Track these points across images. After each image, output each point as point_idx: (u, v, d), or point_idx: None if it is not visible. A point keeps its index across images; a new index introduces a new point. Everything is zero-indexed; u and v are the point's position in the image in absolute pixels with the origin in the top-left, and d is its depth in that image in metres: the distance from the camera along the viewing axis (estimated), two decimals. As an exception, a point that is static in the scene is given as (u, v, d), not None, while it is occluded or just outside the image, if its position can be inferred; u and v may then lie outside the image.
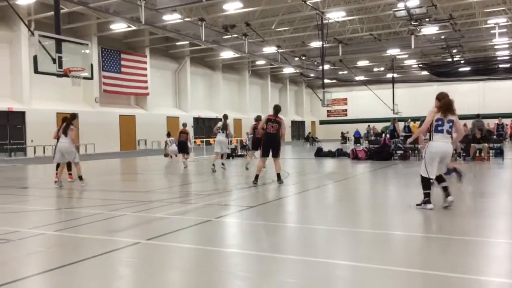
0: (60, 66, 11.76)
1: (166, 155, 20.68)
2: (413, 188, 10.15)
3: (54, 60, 11.62)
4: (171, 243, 5.21)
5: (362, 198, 8.93)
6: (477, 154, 16.05)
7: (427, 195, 6.75)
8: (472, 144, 16.13)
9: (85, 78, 12.88)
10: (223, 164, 14.34)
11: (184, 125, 17.16)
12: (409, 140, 8.24)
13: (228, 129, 14.49)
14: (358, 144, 33.39)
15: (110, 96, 31.27)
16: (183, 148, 16.22)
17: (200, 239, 5.46)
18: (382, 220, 6.55)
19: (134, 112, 33.10)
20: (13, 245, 5.16)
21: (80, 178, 10.47)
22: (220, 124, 14.60)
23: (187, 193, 9.50)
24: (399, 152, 17.75)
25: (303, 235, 5.62)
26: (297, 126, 56.02)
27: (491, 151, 16.66)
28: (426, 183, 6.77)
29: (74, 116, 10.87)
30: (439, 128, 6.62)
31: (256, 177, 10.30)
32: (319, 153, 20.67)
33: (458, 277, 3.82)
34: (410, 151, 17.63)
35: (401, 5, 23.83)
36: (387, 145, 18.02)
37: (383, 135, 23.57)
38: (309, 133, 45.96)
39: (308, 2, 24.08)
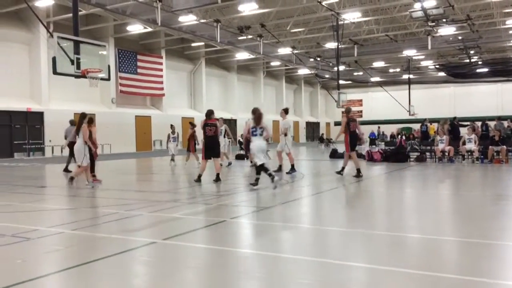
0: (78, 67, 11.93)
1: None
2: (430, 190, 10.08)
3: (72, 62, 11.79)
4: (186, 243, 5.26)
5: (378, 200, 8.88)
6: (495, 156, 15.82)
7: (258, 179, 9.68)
8: (490, 146, 15.91)
9: (102, 79, 13.04)
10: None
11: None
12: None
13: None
14: (374, 146, 33.14)
15: (126, 97, 31.56)
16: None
17: (215, 239, 5.50)
18: (397, 222, 6.52)
19: (150, 113, 33.36)
20: (33, 243, 5.26)
21: (71, 179, 10.43)
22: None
23: (201, 194, 9.56)
24: (415, 154, 17.59)
25: (318, 237, 5.62)
26: (312, 128, 55.82)
27: (510, 153, 16.40)
28: (259, 169, 9.65)
29: (84, 115, 10.83)
30: (255, 133, 9.81)
31: (199, 176, 11.04)
32: (334, 155, 20.58)
33: (475, 281, 3.79)
34: (426, 153, 17.47)
35: (417, 5, 23.59)
36: (402, 147, 17.87)
37: (399, 136, 23.39)
38: (322, 134, 45.72)
39: (323, 3, 24.01)
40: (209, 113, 11.32)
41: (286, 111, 13.63)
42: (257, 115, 9.88)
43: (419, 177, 12.85)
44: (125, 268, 4.38)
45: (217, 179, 10.92)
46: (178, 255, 4.81)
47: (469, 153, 16.56)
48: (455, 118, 21.42)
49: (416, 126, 43.55)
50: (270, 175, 9.46)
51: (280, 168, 13.15)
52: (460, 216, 6.99)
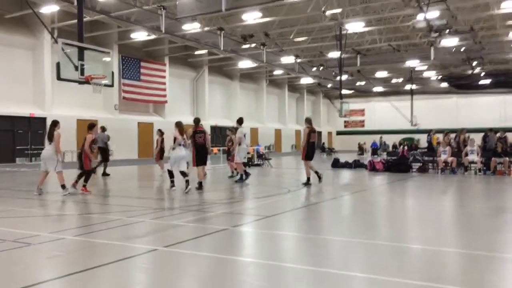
0: (82, 73, 11.95)
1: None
2: (432, 201, 10.04)
3: (76, 68, 11.82)
4: (188, 250, 5.24)
5: (379, 210, 8.85)
6: (498, 168, 15.77)
7: (173, 181, 11.09)
8: (493, 158, 15.87)
9: (106, 85, 13.06)
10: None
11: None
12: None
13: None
14: (376, 156, 33.10)
15: (129, 103, 31.65)
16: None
17: (216, 248, 5.47)
18: (399, 232, 6.48)
19: (152, 120, 33.41)
20: (34, 249, 5.25)
21: (63, 186, 10.22)
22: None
23: (204, 201, 9.54)
24: (417, 164, 17.54)
25: (319, 246, 5.59)
26: (314, 136, 55.74)
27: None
28: (171, 174, 11.09)
29: (55, 123, 10.45)
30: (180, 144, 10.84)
31: (200, 183, 11.13)
32: (336, 164, 20.53)
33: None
34: (428, 164, 17.41)
35: (420, 16, 23.68)
36: (405, 157, 17.83)
37: (401, 147, 23.38)
38: (323, 143, 45.68)
39: (327, 13, 24.11)
40: (197, 121, 11.54)
41: (239, 121, 13.79)
42: (180, 128, 11.00)
43: (421, 188, 12.82)
44: (126, 275, 4.36)
45: (200, 187, 11.00)
46: (179, 262, 4.79)
47: (471, 164, 16.52)
48: (463, 129, 21.43)
49: (418, 136, 43.60)
50: (186, 181, 10.48)
51: (246, 174, 13.07)
52: (463, 227, 6.96)
